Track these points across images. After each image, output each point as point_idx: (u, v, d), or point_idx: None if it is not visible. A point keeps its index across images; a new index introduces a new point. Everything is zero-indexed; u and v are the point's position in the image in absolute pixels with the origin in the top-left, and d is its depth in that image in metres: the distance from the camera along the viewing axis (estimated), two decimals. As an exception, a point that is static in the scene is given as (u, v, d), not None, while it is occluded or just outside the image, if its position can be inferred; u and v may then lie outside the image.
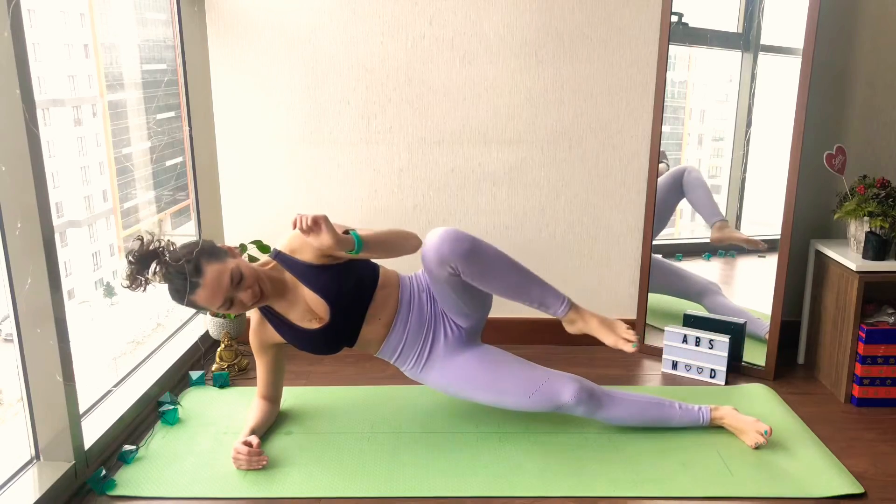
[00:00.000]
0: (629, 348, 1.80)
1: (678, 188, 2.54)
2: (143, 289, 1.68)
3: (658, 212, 2.52)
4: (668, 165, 2.53)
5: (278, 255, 1.85)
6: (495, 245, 1.83)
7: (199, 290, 1.67)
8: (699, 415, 1.97)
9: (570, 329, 1.87)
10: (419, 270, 1.99)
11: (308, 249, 1.81)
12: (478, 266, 1.76)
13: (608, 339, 1.83)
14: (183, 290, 1.67)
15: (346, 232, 1.72)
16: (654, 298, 2.59)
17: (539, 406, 1.87)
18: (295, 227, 1.64)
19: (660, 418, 1.96)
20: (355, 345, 1.92)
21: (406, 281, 1.96)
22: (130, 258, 1.66)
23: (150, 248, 1.68)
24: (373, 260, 1.92)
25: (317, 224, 1.62)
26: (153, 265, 1.68)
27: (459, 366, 1.93)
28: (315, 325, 1.84)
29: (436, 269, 1.77)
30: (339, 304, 1.82)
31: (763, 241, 2.45)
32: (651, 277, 2.57)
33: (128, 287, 1.67)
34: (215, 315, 2.38)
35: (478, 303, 1.93)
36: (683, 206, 2.63)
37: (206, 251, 1.70)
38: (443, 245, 1.73)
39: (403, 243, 1.83)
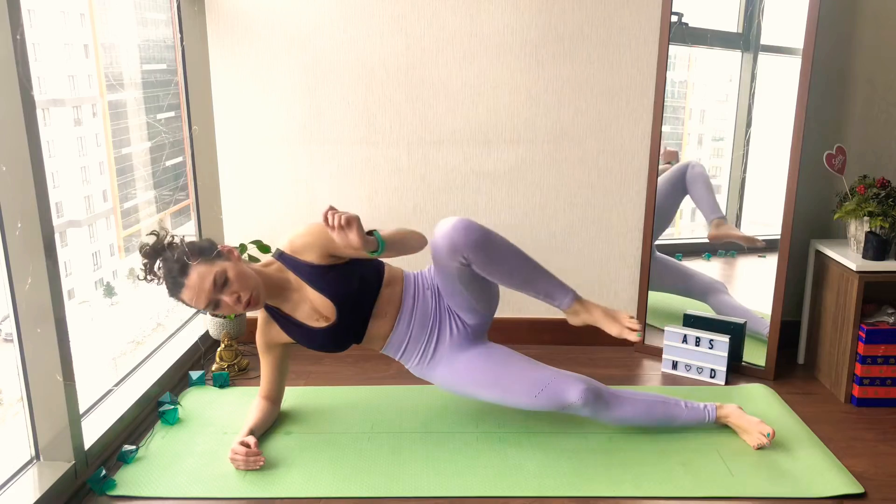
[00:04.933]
0: (634, 337, 1.80)
1: (681, 184, 2.53)
2: (156, 281, 1.75)
3: (661, 209, 2.52)
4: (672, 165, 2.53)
5: (281, 256, 1.84)
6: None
7: (183, 290, 1.70)
8: (705, 412, 1.97)
9: (574, 321, 1.87)
10: (424, 269, 1.99)
11: (312, 250, 1.79)
12: (488, 256, 1.74)
13: (612, 328, 1.83)
14: (171, 289, 1.72)
15: (369, 233, 1.70)
16: (654, 298, 2.59)
17: (545, 405, 1.86)
18: (327, 223, 1.62)
19: (666, 416, 1.95)
20: (362, 341, 1.93)
21: (410, 278, 1.96)
22: (142, 252, 1.74)
23: (160, 244, 1.74)
24: (379, 258, 1.91)
25: (349, 224, 1.61)
26: (158, 262, 1.74)
27: (465, 363, 1.93)
28: (322, 324, 1.84)
29: (446, 258, 1.76)
30: (346, 304, 1.83)
31: (763, 240, 2.45)
32: (656, 276, 2.57)
33: (143, 279, 1.75)
34: (215, 315, 2.38)
35: (486, 298, 1.92)
36: (684, 205, 2.63)
37: (197, 251, 1.71)
38: (455, 234, 1.72)
39: (413, 242, 1.83)
